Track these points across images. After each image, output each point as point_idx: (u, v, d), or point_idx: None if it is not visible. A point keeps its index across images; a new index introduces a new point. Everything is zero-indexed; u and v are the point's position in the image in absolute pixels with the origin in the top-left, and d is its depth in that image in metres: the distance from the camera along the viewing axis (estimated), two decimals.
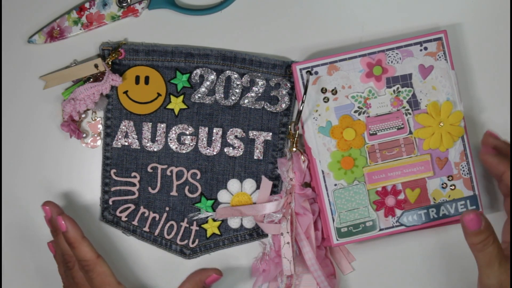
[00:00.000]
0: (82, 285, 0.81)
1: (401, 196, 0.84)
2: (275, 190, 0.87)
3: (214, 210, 0.87)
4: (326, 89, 0.84)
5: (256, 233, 0.87)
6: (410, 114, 0.84)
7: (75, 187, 0.87)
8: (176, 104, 0.86)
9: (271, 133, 0.87)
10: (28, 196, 0.87)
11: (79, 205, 0.87)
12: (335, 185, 0.84)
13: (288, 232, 0.83)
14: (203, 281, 0.84)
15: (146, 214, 0.87)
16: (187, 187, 0.87)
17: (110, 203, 0.86)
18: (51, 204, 0.83)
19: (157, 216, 0.87)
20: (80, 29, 0.86)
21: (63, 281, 0.84)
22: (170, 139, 0.86)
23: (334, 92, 0.84)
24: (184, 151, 0.86)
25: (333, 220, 0.84)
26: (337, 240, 0.84)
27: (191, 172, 0.87)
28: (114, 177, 0.86)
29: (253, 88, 0.86)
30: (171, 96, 0.86)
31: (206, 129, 0.86)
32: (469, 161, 0.85)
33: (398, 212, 0.84)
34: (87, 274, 0.80)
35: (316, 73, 0.84)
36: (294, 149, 0.85)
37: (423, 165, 0.84)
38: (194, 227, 0.87)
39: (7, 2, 0.86)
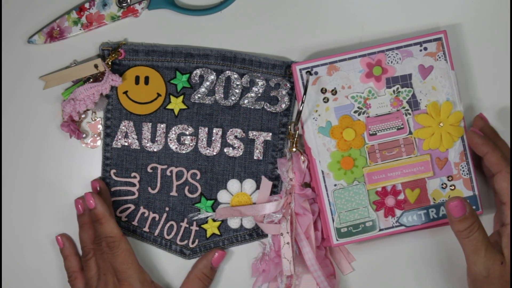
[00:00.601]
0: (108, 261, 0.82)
1: (401, 196, 0.84)
2: (275, 190, 0.87)
3: (214, 210, 0.87)
4: (326, 89, 0.84)
5: (256, 233, 0.87)
6: (410, 114, 0.84)
7: (75, 187, 0.87)
8: (176, 104, 0.86)
9: (271, 133, 0.87)
10: (28, 196, 0.87)
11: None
12: (335, 185, 0.84)
13: (288, 232, 0.83)
14: (209, 261, 0.85)
15: (146, 214, 0.87)
16: (187, 187, 0.87)
17: None
18: (100, 182, 0.85)
19: (157, 216, 0.87)
20: (80, 29, 0.86)
21: (69, 275, 0.84)
22: (170, 139, 0.86)
23: (334, 92, 0.84)
24: (184, 151, 0.86)
25: (333, 220, 0.84)
26: (337, 240, 0.84)
27: (191, 172, 0.87)
28: (114, 177, 0.86)
29: (253, 88, 0.86)
30: (171, 96, 0.86)
31: (206, 129, 0.86)
32: (469, 161, 0.85)
33: (398, 212, 0.84)
34: (111, 251, 0.81)
35: (316, 73, 0.83)
36: (294, 149, 0.85)
37: (423, 165, 0.84)
38: (194, 227, 0.87)
39: (7, 2, 0.86)
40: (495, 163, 0.81)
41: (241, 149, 0.87)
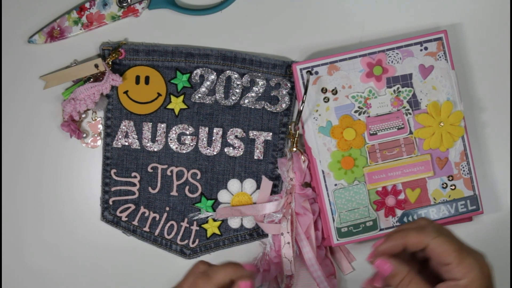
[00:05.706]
0: None
1: (401, 196, 0.84)
2: (275, 190, 0.87)
3: (214, 210, 0.87)
4: (326, 89, 0.84)
5: (256, 233, 0.87)
6: (410, 114, 0.84)
7: (75, 187, 0.87)
8: (176, 104, 0.86)
9: (271, 133, 0.87)
10: (28, 196, 0.87)
11: (79, 205, 0.87)
12: (335, 185, 0.84)
13: (288, 232, 0.83)
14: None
15: (146, 214, 0.87)
16: (187, 187, 0.87)
17: (110, 203, 0.86)
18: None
19: (157, 216, 0.87)
20: (80, 29, 0.86)
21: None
22: (170, 139, 0.86)
23: (334, 92, 0.84)
24: (184, 151, 0.86)
25: (333, 220, 0.84)
26: (338, 240, 0.84)
27: (191, 172, 0.87)
28: (114, 177, 0.86)
29: (253, 88, 0.86)
30: (171, 96, 0.86)
31: (206, 129, 0.86)
32: (469, 161, 0.85)
33: (398, 212, 0.84)
34: None
35: (317, 73, 0.84)
36: (294, 149, 0.85)
37: (423, 165, 0.84)
38: (194, 227, 0.87)
39: (7, 2, 0.86)
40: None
41: (242, 149, 0.87)
